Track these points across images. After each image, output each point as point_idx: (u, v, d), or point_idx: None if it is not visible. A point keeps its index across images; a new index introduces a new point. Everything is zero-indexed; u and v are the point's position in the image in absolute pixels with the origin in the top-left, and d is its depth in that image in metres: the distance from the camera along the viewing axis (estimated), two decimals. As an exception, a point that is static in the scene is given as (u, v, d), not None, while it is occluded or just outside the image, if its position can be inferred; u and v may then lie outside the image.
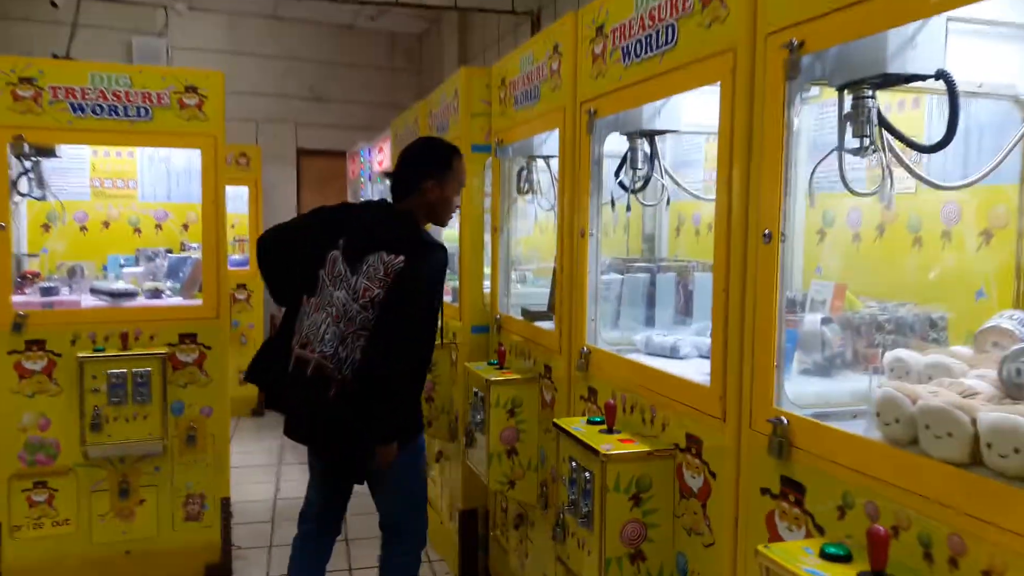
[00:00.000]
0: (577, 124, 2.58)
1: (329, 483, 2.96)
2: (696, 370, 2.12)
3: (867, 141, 1.63)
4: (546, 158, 3.37)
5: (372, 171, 5.96)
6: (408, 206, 2.78)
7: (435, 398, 3.66)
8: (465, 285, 3.61)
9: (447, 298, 4.09)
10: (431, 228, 4.58)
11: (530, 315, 3.06)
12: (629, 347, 2.61)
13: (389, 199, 2.89)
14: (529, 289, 3.74)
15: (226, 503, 3.91)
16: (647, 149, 2.55)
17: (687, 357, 2.26)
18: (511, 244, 3.49)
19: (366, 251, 2.70)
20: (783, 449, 1.58)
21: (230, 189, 7.20)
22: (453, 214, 2.94)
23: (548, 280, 3.90)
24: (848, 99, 1.64)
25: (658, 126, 2.44)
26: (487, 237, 3.61)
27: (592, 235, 2.54)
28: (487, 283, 3.62)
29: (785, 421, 1.58)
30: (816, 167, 1.84)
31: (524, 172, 3.39)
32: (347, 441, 2.57)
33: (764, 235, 1.63)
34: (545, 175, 3.42)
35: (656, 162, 2.55)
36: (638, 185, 2.56)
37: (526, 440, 2.91)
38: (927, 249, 2.06)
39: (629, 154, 2.52)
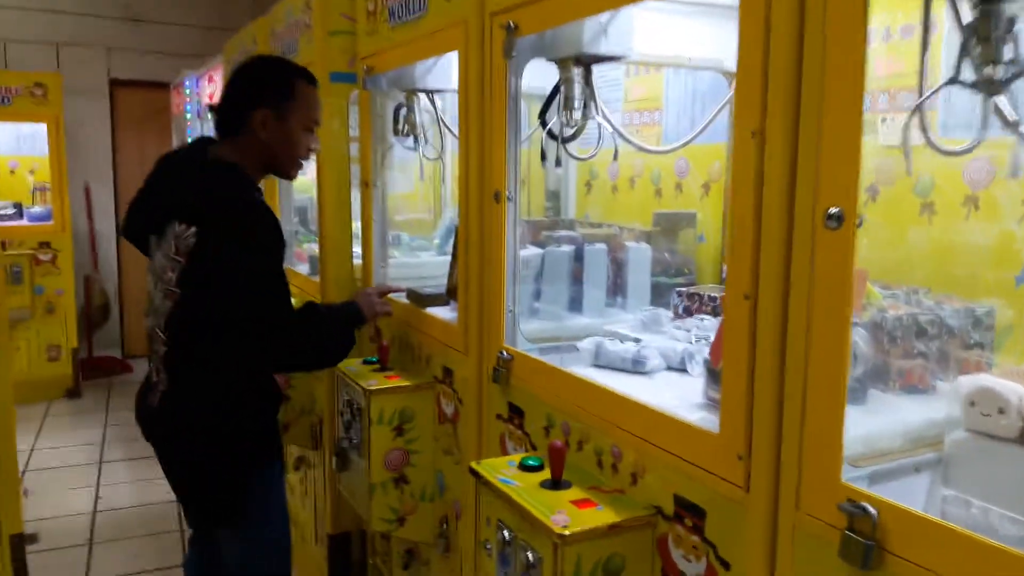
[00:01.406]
0: (487, 44, 1.87)
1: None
2: (674, 393, 1.51)
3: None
4: (432, 93, 2.63)
5: (201, 105, 4.95)
6: (231, 150, 2.06)
7: (291, 396, 2.90)
8: (328, 255, 2.84)
9: (303, 268, 3.30)
10: (278, 186, 3.83)
11: (420, 299, 2.36)
12: (552, 343, 1.98)
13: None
14: (411, 260, 3.02)
15: (19, 541, 3.01)
16: (582, 81, 1.87)
17: (653, 371, 1.65)
18: (387, 203, 2.75)
19: (164, 219, 2.06)
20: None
21: (24, 127, 5.99)
22: (303, 161, 2.18)
23: (434, 250, 3.21)
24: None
25: (603, 50, 1.77)
26: (354, 194, 2.84)
27: (510, 199, 1.86)
28: (357, 251, 2.86)
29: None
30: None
31: (402, 110, 2.64)
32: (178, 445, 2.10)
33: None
34: (431, 115, 2.69)
35: (595, 101, 1.88)
36: (571, 132, 1.88)
37: (419, 463, 2.24)
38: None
39: (562, 87, 1.84)
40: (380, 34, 2.51)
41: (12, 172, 6.16)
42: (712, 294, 2.06)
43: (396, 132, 2.65)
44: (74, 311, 5.88)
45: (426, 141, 2.68)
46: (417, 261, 3.09)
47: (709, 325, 1.90)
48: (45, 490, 4.22)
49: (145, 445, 2.23)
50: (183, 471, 2.12)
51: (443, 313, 2.28)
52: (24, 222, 5.79)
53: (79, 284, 6.26)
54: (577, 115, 1.86)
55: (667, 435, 1.36)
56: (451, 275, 2.19)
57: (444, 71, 2.54)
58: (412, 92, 2.62)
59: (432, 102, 2.68)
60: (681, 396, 1.49)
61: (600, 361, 1.67)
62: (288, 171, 2.17)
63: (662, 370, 1.65)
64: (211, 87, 4.77)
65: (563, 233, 2.34)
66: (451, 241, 3.44)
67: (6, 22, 6.23)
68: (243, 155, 2.05)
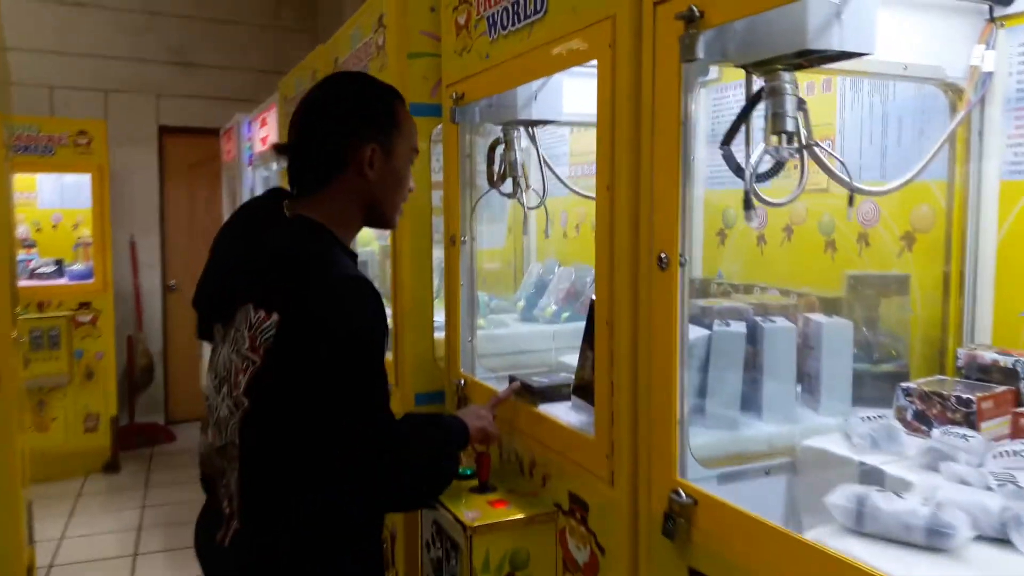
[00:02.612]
0: (648, 44, 1.31)
1: None
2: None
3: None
4: (533, 126, 2.08)
5: (253, 152, 4.50)
6: (315, 206, 1.55)
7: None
8: (404, 328, 2.29)
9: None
10: (368, 238, 3.33)
11: (531, 393, 1.78)
12: (733, 465, 1.40)
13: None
14: (500, 331, 2.46)
15: None
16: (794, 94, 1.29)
17: (957, 547, 1.02)
18: (475, 262, 2.19)
19: (235, 301, 1.52)
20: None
21: (68, 178, 5.63)
22: (403, 201, 1.65)
23: (516, 314, 2.65)
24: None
25: (824, 44, 1.17)
26: (435, 252, 2.30)
27: (683, 263, 1.29)
28: (439, 321, 2.31)
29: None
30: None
31: (499, 148, 2.10)
32: None
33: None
34: (523, 153, 2.15)
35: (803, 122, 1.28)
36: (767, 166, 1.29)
37: (536, 623, 1.65)
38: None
39: (769, 101, 1.25)
40: (474, 52, 1.98)
41: (55, 227, 5.79)
42: (959, 393, 1.44)
43: (490, 176, 2.11)
44: (114, 376, 5.42)
45: (527, 185, 2.12)
46: (507, 332, 2.52)
47: (978, 446, 1.28)
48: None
49: (185, 533, 1.68)
50: None
51: (565, 414, 1.69)
52: (64, 280, 5.39)
53: (120, 345, 5.83)
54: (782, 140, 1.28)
55: None
56: (582, 365, 1.60)
57: (553, 96, 2.00)
58: (511, 125, 2.08)
59: (532, 138, 2.14)
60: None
61: (865, 527, 1.05)
62: (392, 217, 1.62)
63: (968, 538, 1.02)
64: (263, 131, 4.32)
65: (726, 305, 1.75)
66: (542, 303, 2.92)
67: (53, 68, 5.92)
68: (334, 210, 1.53)
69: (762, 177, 1.31)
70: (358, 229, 1.61)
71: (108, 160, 5.42)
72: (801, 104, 1.28)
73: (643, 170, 1.34)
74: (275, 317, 1.38)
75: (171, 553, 4.02)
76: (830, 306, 1.76)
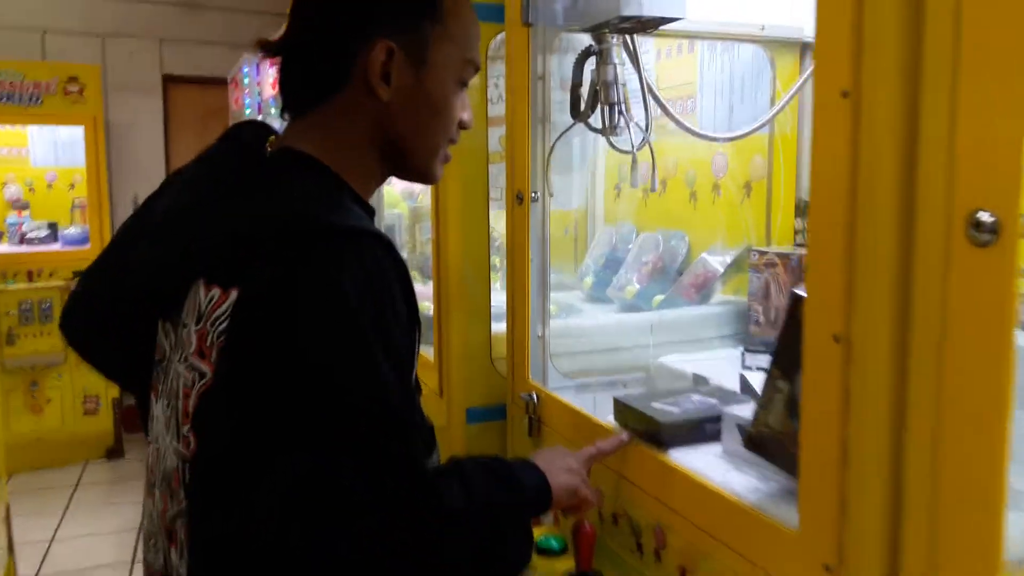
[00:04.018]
0: None
1: None
2: None
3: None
4: (641, 30, 1.44)
5: (262, 97, 3.88)
6: (310, 135, 1.00)
7: None
8: (450, 319, 1.67)
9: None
10: (393, 191, 2.70)
11: (660, 430, 1.15)
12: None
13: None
14: (577, 322, 1.86)
15: None
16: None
17: None
18: (548, 227, 1.57)
19: (181, 282, 0.98)
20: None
21: (62, 132, 5.05)
22: (453, 144, 1.08)
23: (582, 293, 2.06)
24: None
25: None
26: (493, 213, 1.68)
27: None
28: (497, 308, 1.70)
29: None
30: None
31: (589, 66, 1.46)
32: None
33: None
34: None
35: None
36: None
37: None
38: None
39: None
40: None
41: (50, 186, 5.23)
42: None
43: (575, 105, 1.47)
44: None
45: (631, 119, 1.48)
46: (582, 322, 1.89)
47: None
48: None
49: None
50: None
51: (714, 469, 1.07)
52: (58, 246, 4.83)
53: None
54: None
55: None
56: (766, 404, 0.96)
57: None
58: (605, 29, 1.44)
59: (633, 53, 1.49)
60: None
61: None
62: (428, 165, 1.04)
63: None
64: (274, 72, 3.69)
65: None
66: (618, 280, 2.27)
67: (44, 9, 5.31)
68: (335, 143, 0.99)
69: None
70: (380, 178, 1.05)
71: (104, 111, 4.82)
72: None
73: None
74: (233, 294, 0.88)
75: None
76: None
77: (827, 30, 0.80)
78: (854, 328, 0.78)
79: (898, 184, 0.74)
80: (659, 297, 1.98)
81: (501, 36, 1.61)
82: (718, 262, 1.89)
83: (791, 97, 1.69)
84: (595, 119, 1.50)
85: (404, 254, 2.93)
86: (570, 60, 1.62)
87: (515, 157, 1.52)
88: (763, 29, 1.69)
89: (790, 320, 0.88)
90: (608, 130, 1.42)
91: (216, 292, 0.90)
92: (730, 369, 1.56)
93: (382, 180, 1.05)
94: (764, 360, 1.50)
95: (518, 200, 1.51)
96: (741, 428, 1.06)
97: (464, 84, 1.02)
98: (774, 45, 1.78)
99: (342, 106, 0.96)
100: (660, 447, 1.14)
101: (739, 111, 1.95)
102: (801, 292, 0.86)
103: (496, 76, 1.65)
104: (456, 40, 0.99)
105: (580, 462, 1.13)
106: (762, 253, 1.72)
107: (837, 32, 0.78)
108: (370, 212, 1.00)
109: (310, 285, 0.83)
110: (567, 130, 1.48)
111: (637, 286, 2.11)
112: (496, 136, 1.65)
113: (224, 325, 0.87)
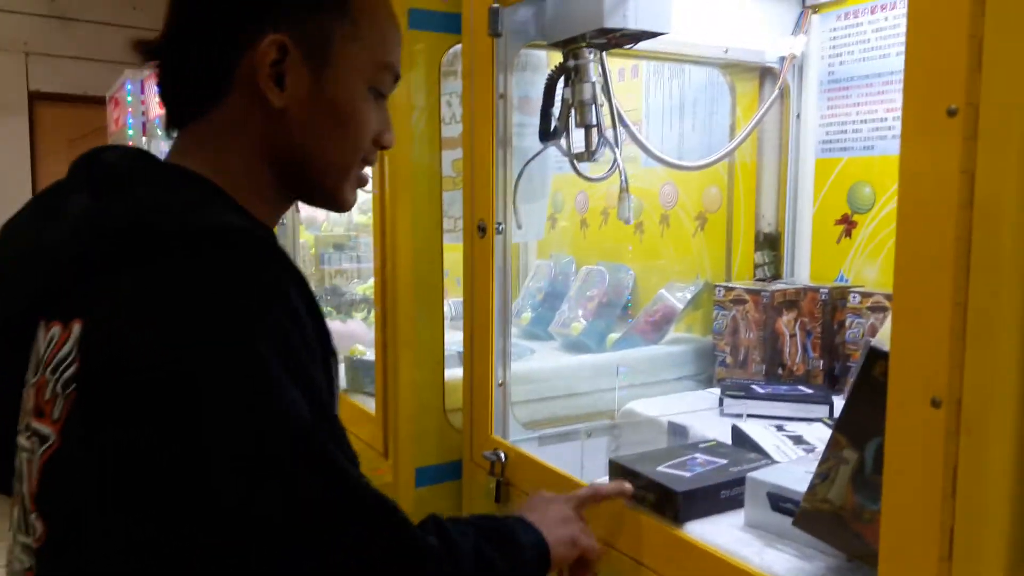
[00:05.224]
0: None
1: None
2: None
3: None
4: (618, 45, 1.30)
5: (147, 116, 3.55)
6: (194, 150, 0.81)
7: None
8: (398, 366, 1.47)
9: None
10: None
11: (671, 498, 0.99)
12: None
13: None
14: (542, 365, 1.70)
15: None
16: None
17: None
18: (509, 259, 1.40)
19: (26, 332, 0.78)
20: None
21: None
22: (370, 166, 0.88)
23: (542, 342, 1.92)
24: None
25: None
26: (448, 241, 1.50)
27: None
28: (453, 352, 1.52)
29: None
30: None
31: (571, 80, 1.31)
32: None
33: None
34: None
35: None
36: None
37: None
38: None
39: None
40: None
41: None
42: None
43: (548, 131, 1.32)
44: None
45: (604, 141, 1.34)
46: (542, 367, 1.73)
47: None
48: None
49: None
50: None
51: (745, 547, 0.93)
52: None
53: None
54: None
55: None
56: (827, 474, 0.82)
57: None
58: (580, 45, 1.29)
59: (604, 70, 1.36)
60: None
61: None
62: (338, 186, 0.86)
63: None
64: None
65: None
66: (561, 316, 2.10)
67: None
68: (224, 160, 0.81)
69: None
70: (280, 202, 0.86)
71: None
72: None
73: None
74: (76, 328, 0.70)
75: None
76: None
77: (926, 27, 0.68)
78: (966, 391, 0.66)
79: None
80: (614, 335, 1.85)
81: (454, 50, 1.45)
82: (678, 298, 1.77)
83: (757, 123, 1.60)
84: (563, 142, 1.36)
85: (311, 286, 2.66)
86: (529, 79, 1.48)
87: (475, 184, 1.36)
88: (727, 52, 1.60)
89: (864, 378, 0.75)
90: (586, 154, 1.28)
91: (56, 330, 0.71)
92: (706, 416, 1.43)
93: (284, 206, 0.86)
94: (750, 406, 1.39)
95: (480, 231, 1.35)
96: (777, 498, 0.92)
97: (380, 94, 0.85)
98: (735, 70, 1.70)
99: (229, 115, 0.79)
100: (673, 520, 0.99)
101: (690, 138, 1.86)
102: (879, 345, 0.73)
103: (448, 94, 1.48)
104: (367, 40, 0.82)
105: (573, 507, 0.99)
106: (729, 289, 1.61)
107: (943, 31, 0.66)
108: (260, 227, 0.82)
109: (173, 300, 0.65)
110: (537, 154, 1.33)
111: (583, 322, 1.97)
112: (449, 160, 1.48)
113: (71, 372, 0.68)
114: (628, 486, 1.04)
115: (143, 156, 0.82)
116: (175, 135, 0.83)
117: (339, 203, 0.87)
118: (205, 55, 0.78)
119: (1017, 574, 0.65)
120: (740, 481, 0.99)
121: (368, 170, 0.88)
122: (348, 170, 0.84)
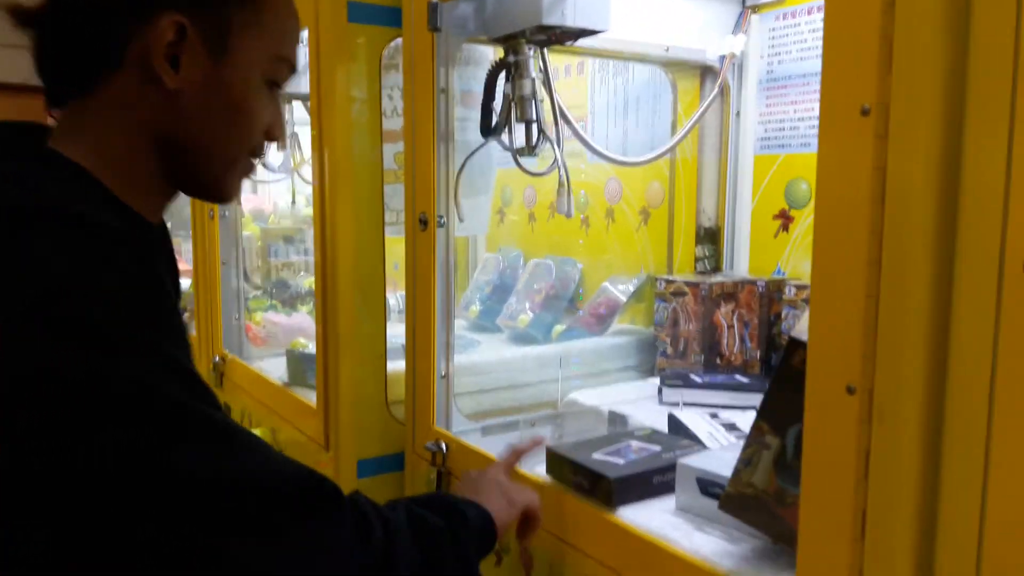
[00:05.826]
0: None
1: None
2: None
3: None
4: (560, 41, 1.32)
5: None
6: (74, 134, 0.77)
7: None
8: (339, 359, 1.47)
9: (263, 366, 1.91)
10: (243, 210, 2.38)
11: (608, 484, 1.02)
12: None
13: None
14: (485, 358, 1.71)
15: None
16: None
17: None
18: (452, 254, 1.41)
19: None
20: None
21: None
22: (256, 159, 0.87)
23: (491, 334, 1.93)
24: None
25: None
26: (390, 234, 1.50)
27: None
28: (396, 342, 1.52)
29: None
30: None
31: (503, 79, 1.32)
32: None
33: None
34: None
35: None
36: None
37: None
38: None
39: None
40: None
41: None
42: None
43: (489, 125, 1.33)
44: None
45: (544, 137, 1.35)
46: (485, 359, 1.74)
47: None
48: None
49: None
50: None
51: (675, 530, 0.95)
52: None
53: None
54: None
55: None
56: (750, 460, 0.85)
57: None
58: (523, 41, 1.30)
59: (545, 66, 1.37)
60: None
61: None
62: (223, 177, 0.84)
63: None
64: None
65: None
66: (509, 309, 2.12)
67: None
68: (102, 142, 0.77)
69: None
70: (162, 193, 0.83)
71: None
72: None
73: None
74: None
75: None
76: None
77: (841, 28, 0.71)
78: (878, 379, 0.69)
79: (935, 218, 0.65)
80: (559, 327, 1.87)
81: (395, 43, 1.45)
82: (621, 291, 1.80)
83: (697, 120, 1.63)
84: (505, 136, 1.37)
85: (256, 279, 2.58)
86: (471, 73, 1.48)
87: (417, 177, 1.36)
88: (668, 50, 1.63)
89: (784, 368, 0.78)
90: (527, 149, 1.29)
91: None
92: (645, 405, 1.46)
93: (167, 196, 0.83)
94: (687, 395, 1.42)
95: (422, 224, 1.35)
96: (705, 483, 0.95)
97: (275, 85, 0.83)
98: (676, 67, 1.73)
99: (117, 94, 0.76)
100: (607, 505, 1.01)
101: (634, 135, 1.89)
102: (798, 336, 0.76)
103: (390, 87, 1.48)
104: (267, 30, 0.80)
105: (501, 473, 1.04)
106: (669, 281, 1.64)
107: (857, 32, 0.68)
108: (150, 230, 0.81)
109: (45, 296, 0.62)
110: (478, 148, 1.34)
111: (530, 314, 1.99)
112: (391, 153, 1.48)
113: None
114: (542, 436, 1.14)
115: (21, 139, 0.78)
116: (46, 104, 0.78)
117: (222, 194, 0.85)
118: (93, 26, 0.75)
119: (924, 555, 0.69)
120: (672, 467, 1.02)
121: (255, 162, 0.87)
122: (235, 160, 0.83)
